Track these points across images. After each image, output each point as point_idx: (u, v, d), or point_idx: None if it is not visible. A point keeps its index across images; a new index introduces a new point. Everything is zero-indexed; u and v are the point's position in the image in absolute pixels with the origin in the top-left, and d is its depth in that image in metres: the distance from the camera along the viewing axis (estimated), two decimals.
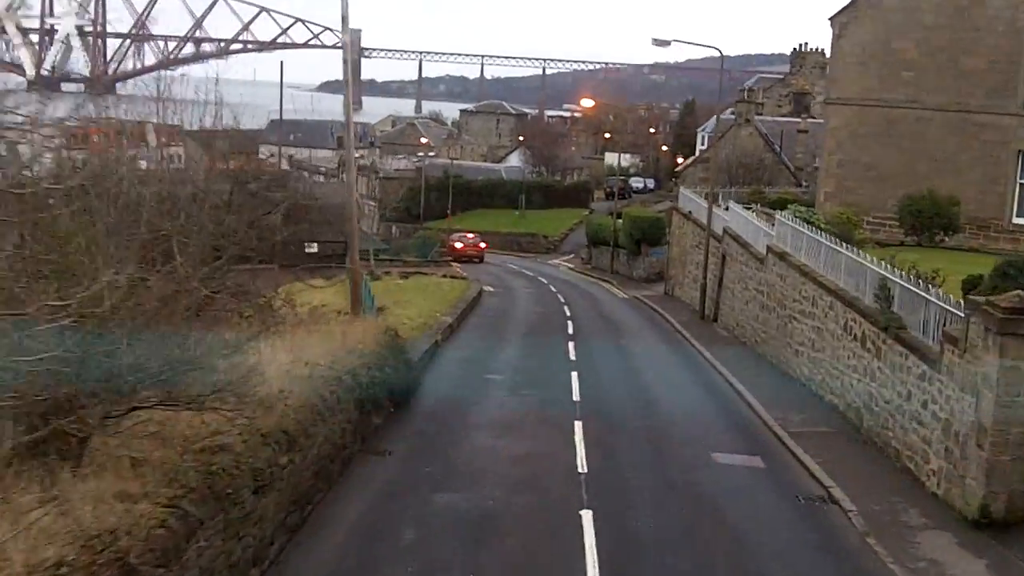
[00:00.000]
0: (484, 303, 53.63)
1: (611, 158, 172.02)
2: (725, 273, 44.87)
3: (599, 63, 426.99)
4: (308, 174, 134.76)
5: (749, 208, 44.31)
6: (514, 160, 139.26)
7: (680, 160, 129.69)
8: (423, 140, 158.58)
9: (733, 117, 79.90)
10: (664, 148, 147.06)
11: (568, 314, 50.59)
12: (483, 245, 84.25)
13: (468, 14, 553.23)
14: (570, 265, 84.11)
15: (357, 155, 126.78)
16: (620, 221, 75.38)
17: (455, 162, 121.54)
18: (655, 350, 40.84)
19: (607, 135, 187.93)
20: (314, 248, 70.30)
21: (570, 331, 43.95)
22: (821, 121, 57.92)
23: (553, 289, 63.38)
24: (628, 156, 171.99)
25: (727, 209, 46.47)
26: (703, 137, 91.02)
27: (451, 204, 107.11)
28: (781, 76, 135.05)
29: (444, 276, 65.56)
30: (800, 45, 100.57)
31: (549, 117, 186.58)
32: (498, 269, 78.75)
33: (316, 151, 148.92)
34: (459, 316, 43.96)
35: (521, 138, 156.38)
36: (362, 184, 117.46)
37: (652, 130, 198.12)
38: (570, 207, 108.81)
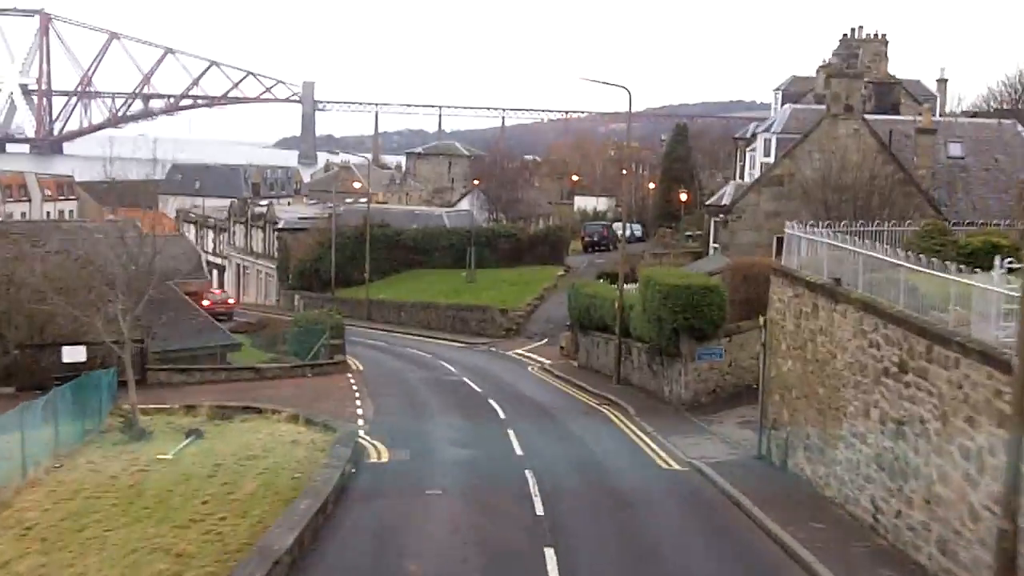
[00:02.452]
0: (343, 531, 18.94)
1: (583, 202, 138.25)
2: None
3: (559, 111, 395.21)
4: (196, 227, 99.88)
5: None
6: (465, 205, 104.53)
7: (685, 197, 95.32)
8: (356, 185, 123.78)
9: (805, 108, 45.79)
10: (651, 186, 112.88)
11: None
12: (231, 301, 73.71)
13: (424, 66, 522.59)
14: (544, 359, 49.53)
15: (263, 204, 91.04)
16: (629, 289, 41.34)
17: (381, 207, 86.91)
18: None
19: (574, 177, 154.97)
20: (79, 355, 37.24)
21: None
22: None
23: (532, 446, 28.50)
24: (604, 199, 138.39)
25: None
26: (755, 154, 56.05)
27: (370, 263, 72.31)
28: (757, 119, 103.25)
29: (290, 421, 30.89)
30: (853, 29, 66.78)
31: (508, 163, 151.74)
32: (421, 376, 44.17)
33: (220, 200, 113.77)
34: None
35: (476, 181, 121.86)
36: (256, 240, 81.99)
37: (624, 171, 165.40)
38: (538, 264, 74.26)
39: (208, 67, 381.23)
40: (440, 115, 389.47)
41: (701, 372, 34.50)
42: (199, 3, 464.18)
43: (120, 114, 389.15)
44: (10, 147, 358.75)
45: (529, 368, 47.71)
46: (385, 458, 26.93)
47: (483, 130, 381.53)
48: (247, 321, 62.75)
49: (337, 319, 49.84)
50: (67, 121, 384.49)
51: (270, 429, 29.36)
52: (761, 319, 27.07)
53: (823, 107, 45.83)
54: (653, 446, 29.40)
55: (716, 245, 50.47)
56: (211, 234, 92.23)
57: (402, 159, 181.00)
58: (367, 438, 29.25)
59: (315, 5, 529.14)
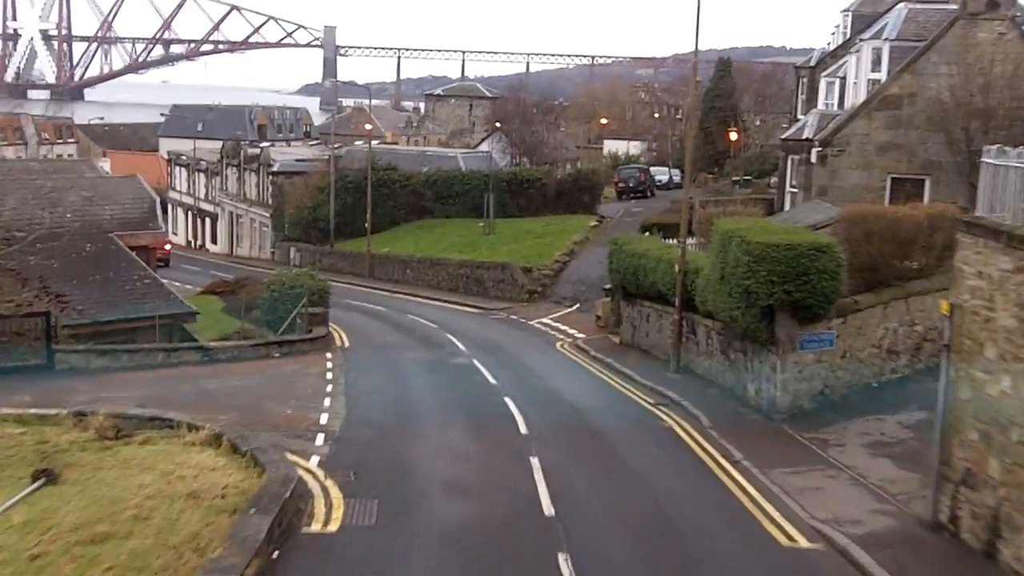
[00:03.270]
0: None
1: (613, 146, 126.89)
2: None
3: (586, 56, 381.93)
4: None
5: None
6: (485, 148, 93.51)
7: (735, 136, 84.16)
8: (368, 127, 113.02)
9: (926, 8, 34.85)
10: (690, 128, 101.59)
11: None
12: (168, 247, 64.94)
13: (447, 11, 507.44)
14: (575, 332, 39.17)
15: (260, 145, 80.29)
16: (690, 247, 30.79)
17: (387, 147, 76.24)
18: None
19: (603, 120, 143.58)
20: None
21: None
22: None
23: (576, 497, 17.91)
24: (635, 143, 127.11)
25: None
26: (832, 80, 44.63)
27: (376, 212, 62.02)
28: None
29: (208, 445, 20.54)
30: None
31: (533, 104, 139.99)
32: (420, 358, 33.87)
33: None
34: None
35: (498, 124, 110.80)
36: (250, 185, 71.56)
37: (656, 114, 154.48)
38: (567, 213, 63.57)
39: (229, 11, 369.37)
40: (463, 61, 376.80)
41: (804, 366, 23.91)
42: None
43: (140, 60, 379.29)
44: (31, 93, 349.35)
45: (558, 345, 37.22)
46: (335, 523, 16.53)
47: (507, 76, 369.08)
48: (222, 280, 52.33)
49: (321, 282, 39.46)
50: (87, 67, 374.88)
51: (171, 463, 18.99)
52: (944, 304, 16.41)
53: (948, 6, 34.72)
54: (752, 491, 18.89)
55: (794, 189, 39.71)
56: (203, 179, 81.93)
57: (422, 104, 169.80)
58: (319, 476, 18.97)
59: None
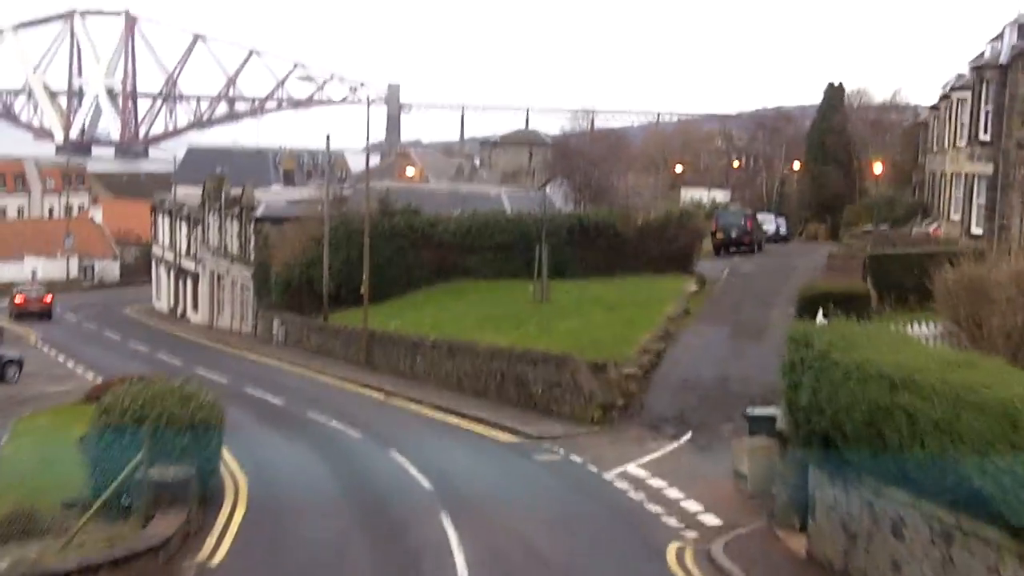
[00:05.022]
0: None
1: (692, 195, 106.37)
2: None
3: (650, 112, 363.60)
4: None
5: None
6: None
7: (879, 169, 63.75)
8: (411, 172, 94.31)
9: None
10: (795, 166, 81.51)
11: None
12: (49, 299, 61.14)
13: (511, 67, 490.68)
14: (697, 508, 19.16)
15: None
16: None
17: (407, 186, 57.08)
18: None
19: (678, 168, 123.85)
20: None
21: None
22: None
23: None
24: (718, 191, 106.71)
25: None
26: None
27: (391, 269, 42.91)
28: None
29: None
30: None
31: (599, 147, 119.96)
32: None
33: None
34: None
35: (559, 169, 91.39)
36: (231, 235, 52.34)
37: (736, 164, 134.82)
38: (652, 273, 43.61)
39: (292, 69, 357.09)
40: (527, 117, 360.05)
41: None
42: (284, 4, 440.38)
43: (205, 117, 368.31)
44: (96, 150, 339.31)
45: (669, 553, 17.03)
46: None
47: (571, 134, 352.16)
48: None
49: (206, 409, 19.87)
50: (152, 124, 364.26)
51: None
52: None
53: None
54: None
55: None
56: (185, 229, 63.33)
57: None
58: None
59: (399, 7, 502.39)
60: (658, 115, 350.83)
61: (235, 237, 53.74)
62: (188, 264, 62.88)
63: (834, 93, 76.15)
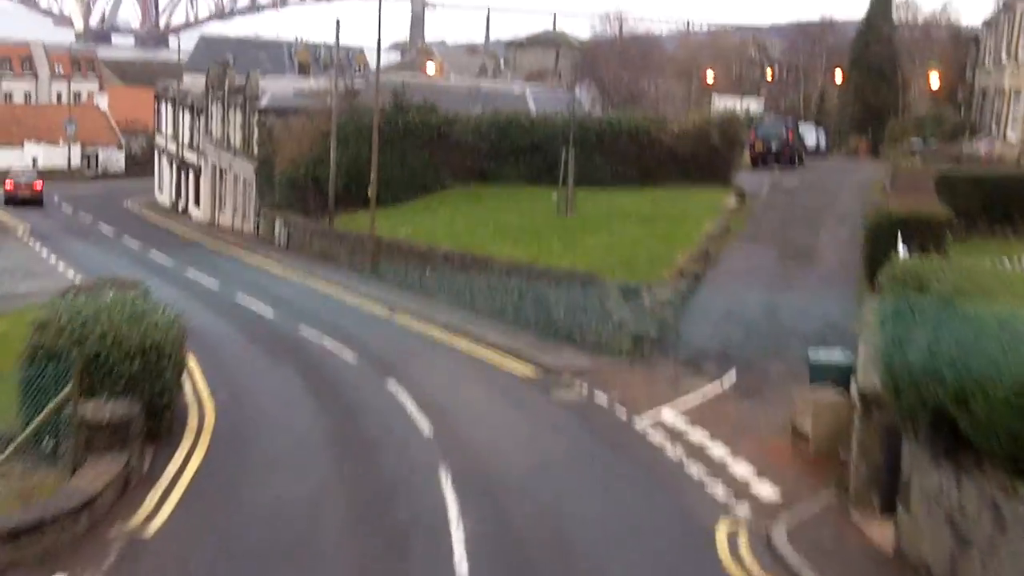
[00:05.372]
0: None
1: (724, 103, 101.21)
2: None
3: (680, 21, 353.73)
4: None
5: None
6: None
7: (936, 82, 59.38)
8: (430, 70, 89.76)
9: None
10: (836, 77, 76.70)
11: None
12: (39, 185, 60.18)
13: None
14: (747, 473, 15.81)
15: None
16: None
17: (425, 81, 53.01)
18: None
19: (709, 75, 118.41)
20: None
21: None
22: None
23: None
24: (752, 100, 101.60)
25: None
26: None
27: (403, 172, 39.37)
28: None
29: None
30: None
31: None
32: None
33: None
34: None
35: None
36: (235, 126, 48.63)
37: (769, 73, 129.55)
38: (687, 184, 39.78)
39: None
40: (555, 20, 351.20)
41: None
42: None
43: (226, 9, 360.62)
44: (115, 39, 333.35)
45: (718, 532, 13.66)
46: None
47: (600, 38, 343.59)
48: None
49: (163, 330, 16.42)
50: (172, 14, 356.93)
51: None
52: None
53: None
54: None
55: None
56: (188, 118, 59.40)
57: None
58: None
59: None
60: (688, 23, 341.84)
61: (238, 128, 49.82)
62: (190, 156, 59.09)
63: (880, 1, 70.90)
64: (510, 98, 48.70)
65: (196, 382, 20.55)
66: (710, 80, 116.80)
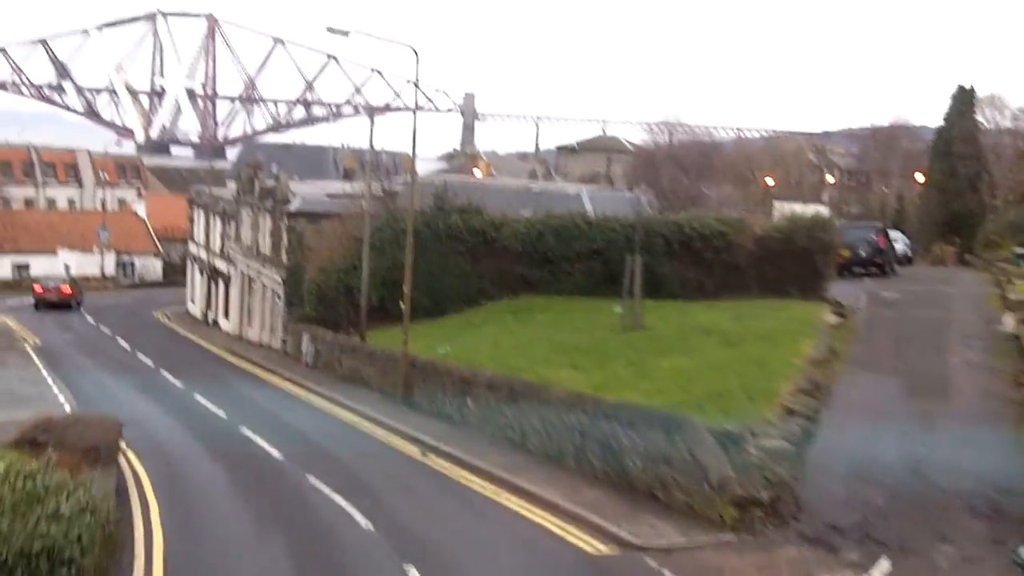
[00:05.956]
0: None
1: (786, 209, 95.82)
2: None
3: (732, 128, 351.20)
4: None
5: None
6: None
7: None
8: (478, 173, 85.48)
9: None
10: (919, 178, 71.20)
11: None
12: (68, 289, 59.86)
13: (588, 79, 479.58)
14: None
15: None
16: None
17: (470, 181, 48.29)
18: None
19: (769, 181, 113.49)
20: None
21: None
22: None
23: None
24: (816, 206, 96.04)
25: None
26: None
27: (446, 281, 34.06)
28: None
29: None
30: None
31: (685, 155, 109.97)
32: None
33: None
34: None
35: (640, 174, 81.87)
36: (264, 232, 43.91)
37: (830, 179, 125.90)
38: (771, 296, 34.11)
39: (370, 76, 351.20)
40: (604, 129, 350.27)
41: None
42: (363, 11, 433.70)
43: (283, 121, 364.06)
44: (174, 150, 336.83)
45: None
46: None
47: (655, 143, 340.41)
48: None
49: (69, 521, 10.77)
50: (230, 126, 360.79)
51: None
52: None
53: None
54: None
55: None
56: (220, 225, 54.83)
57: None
58: None
59: (476, 17, 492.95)
60: (739, 131, 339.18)
61: (267, 235, 45.01)
62: (221, 265, 54.36)
63: (964, 96, 65.48)
64: (564, 199, 43.46)
65: (153, 560, 15.00)
66: (770, 183, 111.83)
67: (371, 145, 44.01)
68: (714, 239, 36.55)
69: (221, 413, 28.84)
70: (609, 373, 25.60)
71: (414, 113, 36.85)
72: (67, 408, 29.17)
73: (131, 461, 22.39)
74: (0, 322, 52.37)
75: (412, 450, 24.40)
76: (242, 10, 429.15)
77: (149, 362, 39.78)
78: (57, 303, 59.14)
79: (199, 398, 30.98)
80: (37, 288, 60.66)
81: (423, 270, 37.36)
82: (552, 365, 27.41)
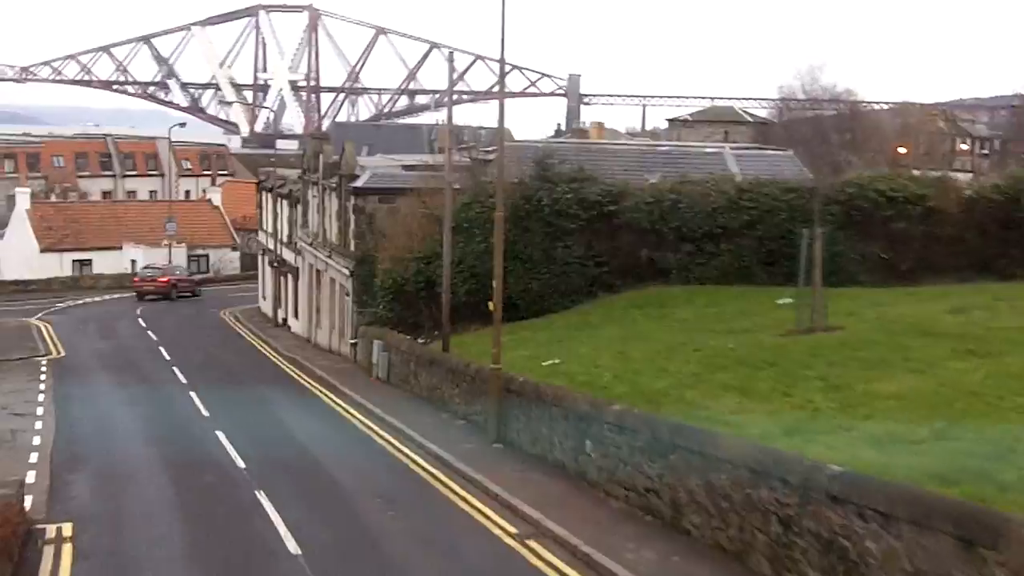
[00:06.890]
0: None
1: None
2: None
3: (845, 101, 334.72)
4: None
5: None
6: None
7: None
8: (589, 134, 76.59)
9: None
10: None
11: None
12: (165, 279, 60.04)
13: (693, 57, 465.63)
14: None
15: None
16: None
17: (576, 142, 39.69)
18: None
19: (900, 149, 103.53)
20: None
21: None
22: None
23: None
24: (957, 175, 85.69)
25: None
26: None
27: (542, 267, 25.14)
28: None
29: None
30: None
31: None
32: None
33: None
34: None
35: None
36: (330, 214, 35.51)
37: (963, 144, 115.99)
38: (988, 276, 24.79)
39: (472, 62, 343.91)
40: (713, 100, 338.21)
41: None
42: None
43: (386, 110, 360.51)
44: (280, 143, 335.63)
45: None
46: None
47: (791, 109, 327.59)
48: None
49: None
50: (335, 117, 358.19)
51: None
52: None
53: None
54: None
55: None
56: (286, 210, 46.98)
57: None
58: None
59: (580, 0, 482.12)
60: (860, 102, 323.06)
61: (334, 218, 36.87)
62: (288, 256, 46.56)
63: None
64: (702, 160, 34.15)
65: None
66: (902, 151, 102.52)
67: (449, 119, 35.25)
68: (909, 204, 27.09)
69: (240, 463, 20.62)
70: (800, 403, 16.67)
71: (501, 64, 28.21)
72: (31, 458, 21.44)
73: (59, 561, 14.30)
74: (30, 327, 45.71)
75: (503, 531, 15.79)
76: (343, 1, 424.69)
77: (183, 379, 31.84)
78: (154, 292, 59.59)
79: (220, 437, 22.79)
80: (136, 279, 61.52)
81: (523, 256, 28.89)
82: (708, 388, 18.63)
